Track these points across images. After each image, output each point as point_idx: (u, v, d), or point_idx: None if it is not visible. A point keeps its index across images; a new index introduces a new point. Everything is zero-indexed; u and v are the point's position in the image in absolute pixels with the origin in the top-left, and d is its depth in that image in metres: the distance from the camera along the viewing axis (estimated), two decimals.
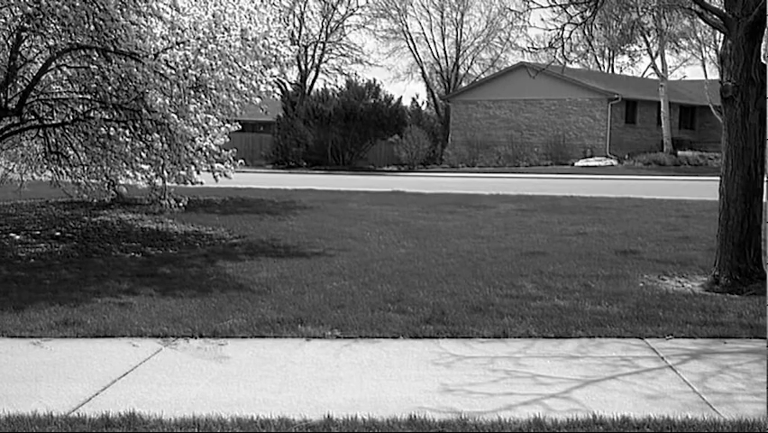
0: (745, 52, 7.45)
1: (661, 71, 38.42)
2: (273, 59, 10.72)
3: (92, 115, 10.81)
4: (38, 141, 12.57)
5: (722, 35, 7.81)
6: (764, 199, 7.58)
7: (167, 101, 9.62)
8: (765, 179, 7.65)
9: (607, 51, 51.45)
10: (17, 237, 11.26)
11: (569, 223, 13.23)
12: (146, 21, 9.58)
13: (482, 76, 51.28)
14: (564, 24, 9.05)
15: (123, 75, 9.44)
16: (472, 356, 5.41)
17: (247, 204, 17.10)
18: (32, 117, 11.37)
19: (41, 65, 10.11)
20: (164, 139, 10.10)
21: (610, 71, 53.87)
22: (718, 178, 7.86)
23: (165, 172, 10.52)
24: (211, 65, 9.76)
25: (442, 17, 54.12)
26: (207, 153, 10.65)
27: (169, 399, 4.57)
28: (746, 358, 5.39)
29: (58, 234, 11.69)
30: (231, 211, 15.38)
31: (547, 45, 9.44)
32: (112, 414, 4.22)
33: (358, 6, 57.67)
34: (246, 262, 9.26)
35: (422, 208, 15.74)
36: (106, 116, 10.69)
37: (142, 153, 10.83)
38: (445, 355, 5.49)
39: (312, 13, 56.39)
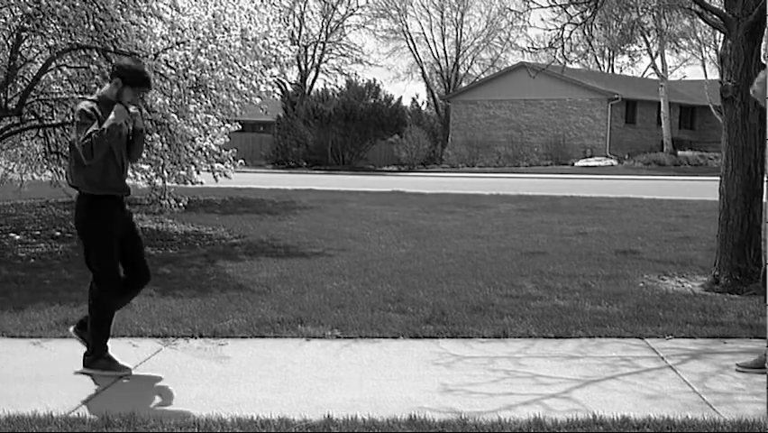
0: (745, 52, 7.45)
1: (661, 71, 38.43)
2: (273, 59, 10.73)
3: None
4: (38, 141, 12.58)
5: (722, 35, 7.81)
6: (764, 199, 7.58)
7: (167, 101, 9.63)
8: (765, 179, 7.65)
9: (607, 51, 51.46)
10: (17, 237, 11.26)
11: (569, 223, 13.23)
12: (146, 21, 9.59)
13: (482, 76, 51.31)
14: (564, 24, 9.04)
15: None
16: (472, 356, 5.41)
17: (247, 204, 17.10)
18: (32, 117, 11.38)
19: (41, 65, 10.11)
20: (164, 139, 10.11)
21: (610, 71, 53.89)
22: (718, 178, 7.85)
23: (165, 172, 10.53)
24: (211, 65, 9.76)
25: (442, 17, 54.21)
26: (207, 153, 10.66)
27: (169, 399, 4.57)
28: (746, 358, 5.39)
29: (58, 234, 11.69)
30: (231, 211, 15.38)
31: (547, 45, 9.43)
32: (112, 414, 4.22)
33: (358, 6, 57.83)
34: (246, 262, 9.25)
35: (422, 208, 15.74)
36: None
37: (142, 153, 10.83)
38: (445, 355, 5.48)
39: (312, 13, 56.55)
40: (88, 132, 4.76)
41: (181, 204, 11.20)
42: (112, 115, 4.82)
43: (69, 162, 5.16)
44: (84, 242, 5.11)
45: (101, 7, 8.93)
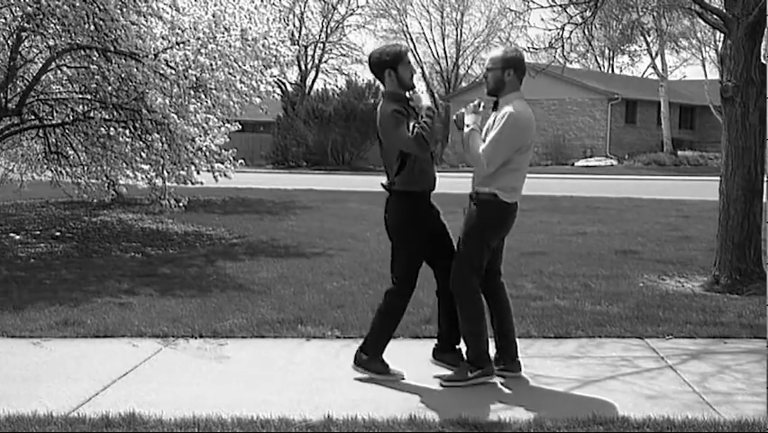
0: (745, 52, 7.45)
1: (661, 71, 38.41)
2: (273, 59, 10.73)
3: (92, 115, 10.82)
4: (38, 141, 12.58)
5: (722, 35, 7.81)
6: (764, 199, 7.58)
7: (167, 101, 9.63)
8: (765, 179, 7.65)
9: (607, 51, 51.46)
10: (17, 237, 11.26)
11: (569, 223, 13.23)
12: (146, 21, 9.59)
13: (482, 76, 51.25)
14: (564, 24, 9.04)
15: (123, 75, 9.45)
16: None
17: (247, 204, 17.11)
18: (32, 117, 11.38)
19: (41, 65, 10.12)
20: (164, 139, 10.11)
21: (610, 71, 53.89)
22: (718, 178, 7.86)
23: (165, 172, 10.53)
24: (211, 65, 9.76)
25: (442, 17, 54.24)
26: (207, 153, 10.66)
27: (169, 399, 4.57)
28: (746, 358, 5.39)
29: (58, 234, 11.69)
30: (231, 211, 15.38)
31: (547, 45, 9.43)
32: (112, 414, 4.22)
33: (358, 6, 57.82)
34: (246, 262, 9.25)
35: None
36: (106, 116, 10.70)
37: (142, 153, 10.84)
38: None
39: (312, 13, 56.51)
40: (411, 125, 4.70)
41: (181, 204, 11.20)
42: (421, 104, 4.80)
43: (395, 166, 4.90)
44: (395, 242, 4.99)
45: (101, 7, 8.92)
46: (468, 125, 4.93)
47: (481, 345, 4.90)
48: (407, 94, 4.95)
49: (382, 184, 5.06)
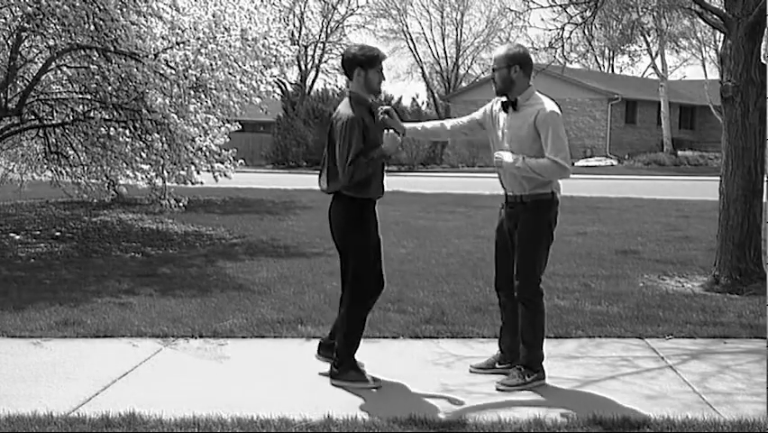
0: (745, 52, 7.45)
1: (661, 71, 38.41)
2: (273, 59, 10.73)
3: (92, 115, 10.82)
4: (38, 141, 12.58)
5: (722, 35, 7.82)
6: (764, 199, 7.58)
7: (167, 101, 9.62)
8: (765, 179, 7.65)
9: (607, 51, 51.45)
10: (17, 237, 11.26)
11: (569, 223, 13.22)
12: (146, 21, 9.59)
13: (482, 76, 51.25)
14: (564, 24, 9.05)
15: (123, 75, 9.45)
16: (472, 356, 5.40)
17: (247, 204, 17.10)
18: (32, 117, 11.38)
19: (41, 65, 10.12)
20: (164, 139, 10.11)
21: (610, 71, 53.88)
22: (718, 178, 7.86)
23: (165, 172, 10.53)
24: (211, 65, 9.76)
25: (442, 17, 54.22)
26: (207, 153, 10.66)
27: (169, 399, 4.57)
28: (746, 358, 5.39)
29: (58, 234, 11.69)
30: (231, 211, 15.38)
31: (547, 45, 9.44)
32: (112, 414, 4.22)
33: (358, 6, 57.80)
34: (246, 262, 9.26)
35: (422, 208, 15.73)
36: (106, 116, 10.70)
37: (142, 153, 10.84)
38: (445, 355, 5.49)
39: (312, 13, 56.41)
40: (356, 156, 4.71)
41: (181, 204, 11.20)
42: (384, 144, 4.78)
43: (329, 169, 5.01)
44: (342, 247, 5.02)
45: (101, 7, 8.92)
46: (516, 161, 4.81)
47: (542, 350, 4.90)
48: (370, 100, 4.93)
49: (323, 189, 5.13)
